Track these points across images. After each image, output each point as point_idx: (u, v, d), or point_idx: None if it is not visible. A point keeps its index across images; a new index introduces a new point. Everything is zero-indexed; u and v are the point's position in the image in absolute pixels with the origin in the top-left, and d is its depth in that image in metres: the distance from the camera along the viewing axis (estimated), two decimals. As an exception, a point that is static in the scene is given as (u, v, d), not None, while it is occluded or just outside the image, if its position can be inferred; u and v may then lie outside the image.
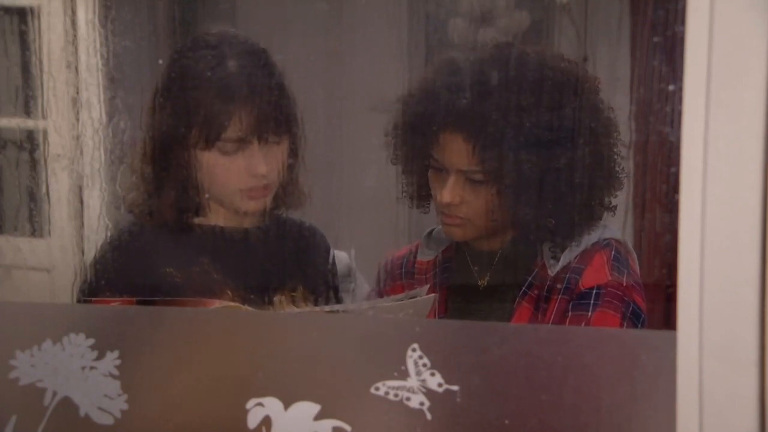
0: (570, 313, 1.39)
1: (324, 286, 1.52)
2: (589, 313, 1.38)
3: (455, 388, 1.01)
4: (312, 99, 1.48)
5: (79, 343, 1.11)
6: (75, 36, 1.46)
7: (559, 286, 1.41)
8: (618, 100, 1.38)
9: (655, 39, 1.11)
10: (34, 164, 1.55)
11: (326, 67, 1.54)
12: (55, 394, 1.12)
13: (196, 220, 1.44)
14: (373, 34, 1.60)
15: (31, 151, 1.56)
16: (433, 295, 1.35)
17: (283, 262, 1.49)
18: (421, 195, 1.51)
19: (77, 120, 1.47)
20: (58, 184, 1.50)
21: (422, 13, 1.74)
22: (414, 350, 1.02)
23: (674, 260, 0.91)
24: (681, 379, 0.91)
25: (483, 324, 1.17)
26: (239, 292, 1.37)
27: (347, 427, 1.04)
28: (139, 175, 1.42)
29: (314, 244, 1.54)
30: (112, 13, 1.42)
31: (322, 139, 1.54)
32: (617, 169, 1.41)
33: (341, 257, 1.54)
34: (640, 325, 1.37)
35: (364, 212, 1.56)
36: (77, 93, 1.48)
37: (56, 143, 1.48)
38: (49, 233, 1.57)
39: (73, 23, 1.46)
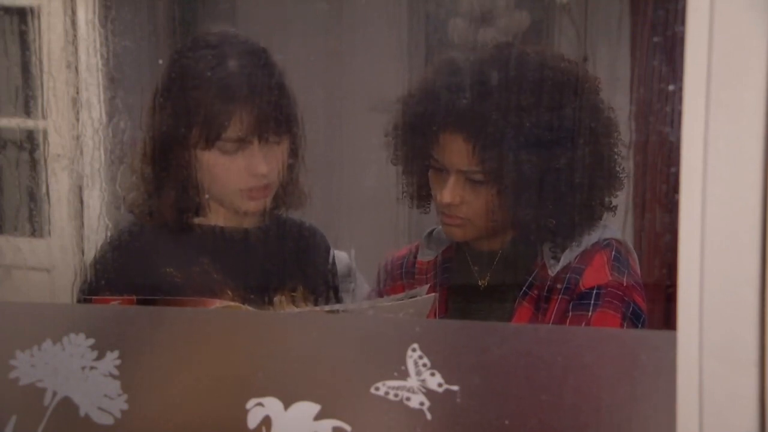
0: (570, 314, 1.39)
1: (324, 286, 1.52)
2: (590, 314, 1.38)
3: (455, 388, 1.01)
4: (312, 99, 1.48)
5: (79, 343, 1.11)
6: (75, 36, 1.46)
7: (559, 286, 1.41)
8: (618, 100, 1.38)
9: (655, 39, 1.11)
10: (34, 164, 1.55)
11: (326, 67, 1.54)
12: (55, 394, 1.12)
13: (196, 220, 1.44)
14: (373, 34, 1.60)
15: (31, 151, 1.56)
16: (433, 294, 1.35)
17: (283, 262, 1.49)
18: (422, 195, 1.51)
19: (77, 120, 1.47)
20: (58, 184, 1.50)
21: (422, 13, 1.74)
22: (414, 350, 1.02)
23: (674, 260, 0.91)
24: (681, 379, 0.91)
25: (483, 324, 1.17)
26: (239, 292, 1.37)
27: (347, 427, 1.04)
28: (139, 175, 1.42)
29: (314, 244, 1.54)
30: (112, 13, 1.42)
31: (322, 139, 1.54)
32: (617, 169, 1.41)
33: (341, 257, 1.54)
34: (640, 326, 1.37)
35: (364, 212, 1.56)
36: (77, 93, 1.48)
37: (56, 143, 1.48)
38: (49, 233, 1.57)
39: (73, 23, 1.46)
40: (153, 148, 1.40)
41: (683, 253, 0.90)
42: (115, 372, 1.10)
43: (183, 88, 1.38)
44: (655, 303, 1.36)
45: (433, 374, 1.01)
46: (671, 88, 0.96)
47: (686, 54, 0.88)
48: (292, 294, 1.41)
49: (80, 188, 1.50)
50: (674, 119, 0.92)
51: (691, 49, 0.88)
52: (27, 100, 1.55)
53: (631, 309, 1.37)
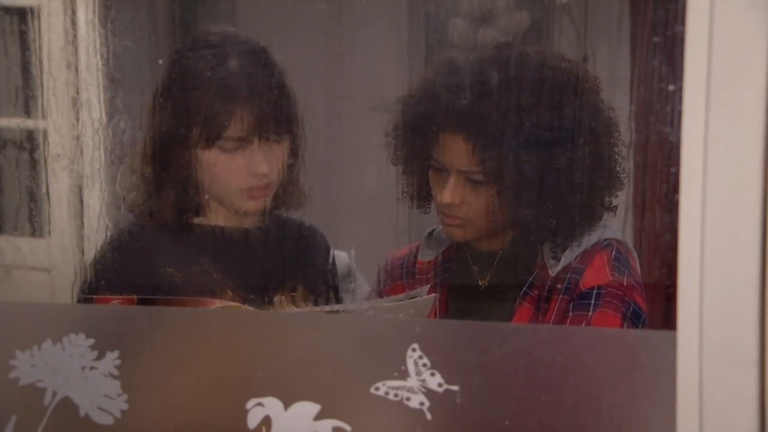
0: (571, 314, 1.39)
1: (324, 286, 1.52)
2: (590, 314, 1.38)
3: (455, 388, 1.01)
4: (312, 99, 1.48)
5: (79, 343, 1.11)
6: (75, 36, 1.46)
7: (559, 286, 1.41)
8: (618, 100, 1.38)
9: (655, 39, 1.11)
10: (34, 164, 1.55)
11: (326, 67, 1.54)
12: (55, 394, 1.12)
13: (196, 220, 1.44)
14: (373, 34, 1.60)
15: (31, 151, 1.56)
16: (433, 295, 1.35)
17: (283, 262, 1.49)
18: (422, 195, 1.51)
19: (77, 120, 1.47)
20: (58, 184, 1.50)
21: (422, 13, 1.74)
22: (414, 350, 1.02)
23: (674, 260, 0.91)
24: (681, 379, 0.91)
25: (483, 324, 1.17)
26: (239, 292, 1.37)
27: (347, 427, 1.04)
28: (139, 175, 1.42)
29: (314, 244, 1.54)
30: (112, 13, 1.42)
31: (322, 139, 1.54)
32: (618, 169, 1.41)
33: (341, 257, 1.54)
34: (640, 326, 1.37)
35: (364, 212, 1.55)
36: (77, 93, 1.48)
37: (56, 143, 1.48)
38: (49, 233, 1.57)
39: (73, 23, 1.46)
40: (153, 148, 1.40)
41: (683, 253, 0.90)
42: (115, 372, 1.10)
43: (183, 88, 1.38)
44: (655, 303, 1.36)
45: (433, 374, 1.01)
46: (671, 88, 0.96)
47: (686, 54, 0.88)
48: (292, 294, 1.41)
49: (80, 188, 1.50)
50: (674, 119, 0.92)
51: (691, 49, 0.88)
52: (27, 100, 1.55)
53: (631, 309, 1.37)
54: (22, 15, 1.49)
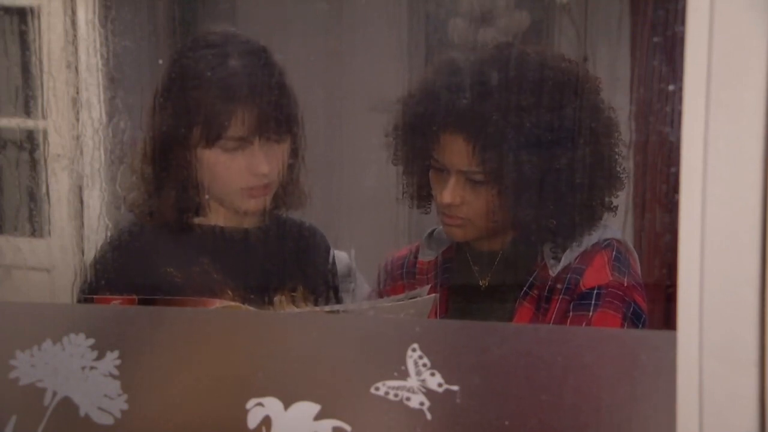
0: (571, 314, 1.39)
1: (324, 286, 1.52)
2: (590, 314, 1.37)
3: (455, 388, 1.01)
4: (312, 99, 1.48)
5: (79, 343, 1.11)
6: (75, 36, 1.46)
7: (560, 286, 1.41)
8: (618, 100, 1.38)
9: (655, 39, 1.11)
10: (34, 164, 1.55)
11: (326, 67, 1.54)
12: (55, 394, 1.12)
13: (196, 220, 1.44)
14: (373, 34, 1.60)
15: (31, 151, 1.56)
16: (433, 295, 1.35)
17: (283, 262, 1.49)
18: (422, 195, 1.51)
19: (77, 120, 1.47)
20: (58, 184, 1.50)
21: (422, 13, 1.74)
22: (414, 350, 1.02)
23: (674, 260, 0.91)
24: (681, 379, 0.91)
25: (483, 324, 1.17)
26: (239, 292, 1.37)
27: (347, 427, 1.04)
28: (140, 175, 1.42)
29: (314, 244, 1.54)
30: (112, 13, 1.42)
31: (322, 139, 1.54)
32: (618, 169, 1.41)
33: (341, 257, 1.54)
34: (641, 326, 1.36)
35: (364, 212, 1.55)
36: (77, 93, 1.48)
37: (56, 143, 1.48)
38: (49, 233, 1.57)
39: (73, 23, 1.46)
40: (153, 148, 1.40)
41: (683, 253, 0.90)
42: (115, 372, 1.10)
43: (183, 88, 1.38)
44: (655, 303, 1.36)
45: (433, 374, 1.01)
46: (671, 88, 0.96)
47: (686, 54, 0.88)
48: (292, 294, 1.41)
49: (80, 188, 1.50)
50: (674, 119, 0.92)
51: (691, 49, 0.88)
52: (27, 100, 1.55)
53: (631, 309, 1.37)
54: (22, 15, 1.49)
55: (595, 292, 1.39)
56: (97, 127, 1.44)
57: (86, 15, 1.45)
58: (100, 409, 1.11)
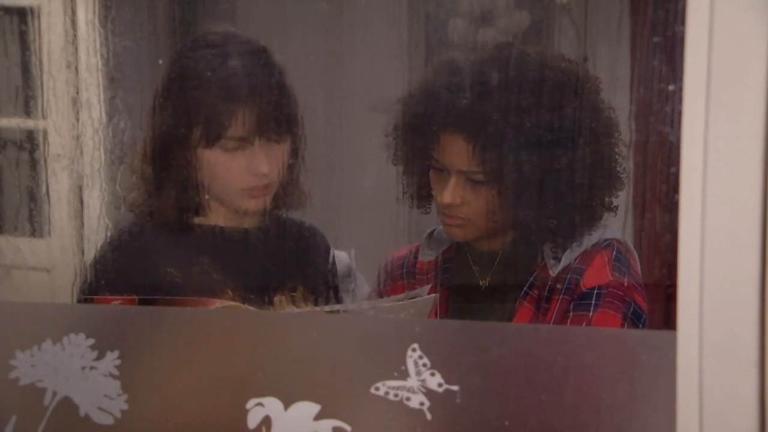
0: (571, 314, 1.39)
1: (324, 286, 1.52)
2: (590, 314, 1.37)
3: (455, 388, 1.01)
4: (312, 99, 1.48)
5: (79, 343, 1.11)
6: (75, 36, 1.46)
7: (560, 286, 1.41)
8: (618, 100, 1.38)
9: (655, 39, 1.11)
10: (34, 164, 1.55)
11: (326, 67, 1.54)
12: (55, 394, 1.12)
13: (197, 220, 1.44)
14: (373, 34, 1.60)
15: (31, 151, 1.56)
16: (434, 295, 1.35)
17: (283, 262, 1.49)
18: (422, 195, 1.51)
19: (77, 120, 1.47)
20: (58, 184, 1.50)
21: (422, 13, 1.74)
22: (414, 350, 1.02)
23: (674, 260, 0.91)
24: (681, 379, 0.91)
25: (483, 324, 1.17)
26: (239, 292, 1.37)
27: (347, 427, 1.04)
28: (140, 175, 1.42)
29: (314, 244, 1.54)
30: (112, 13, 1.42)
31: (322, 139, 1.54)
32: (618, 169, 1.41)
33: (341, 257, 1.54)
34: (641, 326, 1.36)
35: (364, 212, 1.55)
36: (77, 93, 1.48)
37: (56, 143, 1.48)
38: (49, 233, 1.57)
39: (73, 23, 1.46)
40: (153, 148, 1.40)
41: (683, 253, 0.90)
42: (115, 372, 1.10)
43: (184, 88, 1.38)
44: (655, 303, 1.36)
45: (433, 374, 1.01)
46: (671, 88, 0.96)
47: (686, 54, 0.88)
48: (292, 294, 1.41)
49: (80, 188, 1.50)
50: (674, 119, 0.92)
51: (691, 49, 0.88)
52: (27, 100, 1.55)
53: (632, 309, 1.37)
54: (22, 15, 1.49)
55: (595, 292, 1.39)
56: (97, 127, 1.44)
57: (86, 15, 1.45)
58: (100, 409, 1.11)
